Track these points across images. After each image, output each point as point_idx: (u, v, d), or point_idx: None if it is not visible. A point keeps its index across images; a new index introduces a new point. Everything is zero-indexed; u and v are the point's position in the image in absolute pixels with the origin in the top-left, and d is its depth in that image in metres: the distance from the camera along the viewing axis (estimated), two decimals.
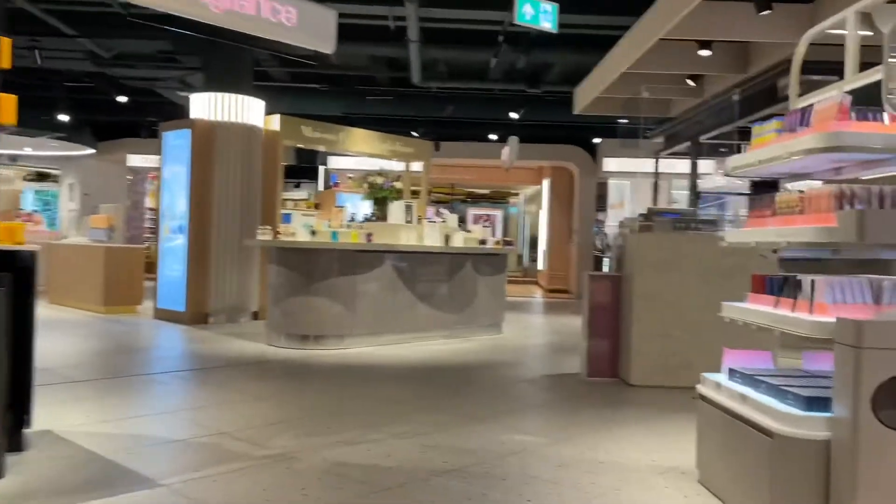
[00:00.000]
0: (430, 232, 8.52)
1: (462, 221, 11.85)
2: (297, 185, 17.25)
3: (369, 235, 7.94)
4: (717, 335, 4.29)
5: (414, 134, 13.63)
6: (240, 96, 9.65)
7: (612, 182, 17.22)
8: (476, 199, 25.26)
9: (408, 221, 8.65)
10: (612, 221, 19.46)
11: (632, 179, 19.45)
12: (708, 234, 6.22)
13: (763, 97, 8.53)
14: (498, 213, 25.27)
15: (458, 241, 8.83)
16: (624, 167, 15.50)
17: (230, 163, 9.53)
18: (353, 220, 10.74)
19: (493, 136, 14.00)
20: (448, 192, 23.36)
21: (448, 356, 7.49)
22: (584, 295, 6.55)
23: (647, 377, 6.06)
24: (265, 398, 5.37)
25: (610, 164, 15.51)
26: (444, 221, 9.33)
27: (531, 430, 4.78)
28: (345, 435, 4.31)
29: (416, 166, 12.31)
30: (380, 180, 8.63)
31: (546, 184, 19.88)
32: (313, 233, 7.64)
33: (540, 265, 21.38)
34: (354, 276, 7.58)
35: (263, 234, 7.76)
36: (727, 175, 3.98)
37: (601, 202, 16.59)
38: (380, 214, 8.72)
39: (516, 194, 25.81)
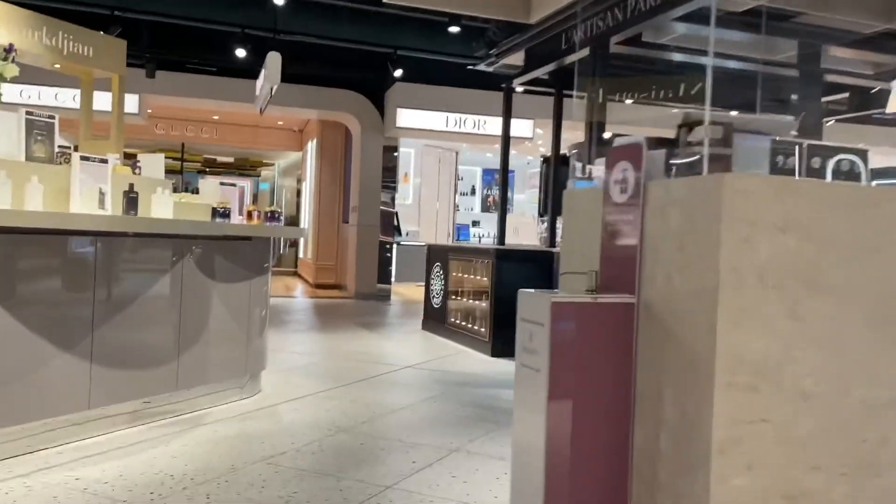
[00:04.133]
0: (84, 184, 3.66)
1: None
2: None
3: None
4: None
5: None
6: None
7: (405, 147, 13.15)
8: (216, 169, 19.82)
9: (36, 158, 3.69)
10: (407, 200, 15.44)
11: (429, 142, 15.56)
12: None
13: None
14: (244, 187, 20.05)
15: (163, 208, 4.05)
16: (426, 122, 11.42)
17: None
18: None
19: (240, 52, 9.12)
20: (176, 157, 17.70)
21: None
22: (535, 350, 2.24)
23: None
24: None
25: (406, 117, 11.34)
26: (137, 172, 4.47)
27: None
28: None
29: (105, 100, 7.14)
30: None
31: (312, 147, 15.27)
32: None
33: (302, 253, 16.73)
34: None
35: None
36: None
37: (390, 175, 12.40)
38: None
39: (269, 164, 20.78)
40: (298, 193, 19.19)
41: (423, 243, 15.03)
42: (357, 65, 11.34)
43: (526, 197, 18.60)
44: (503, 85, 7.49)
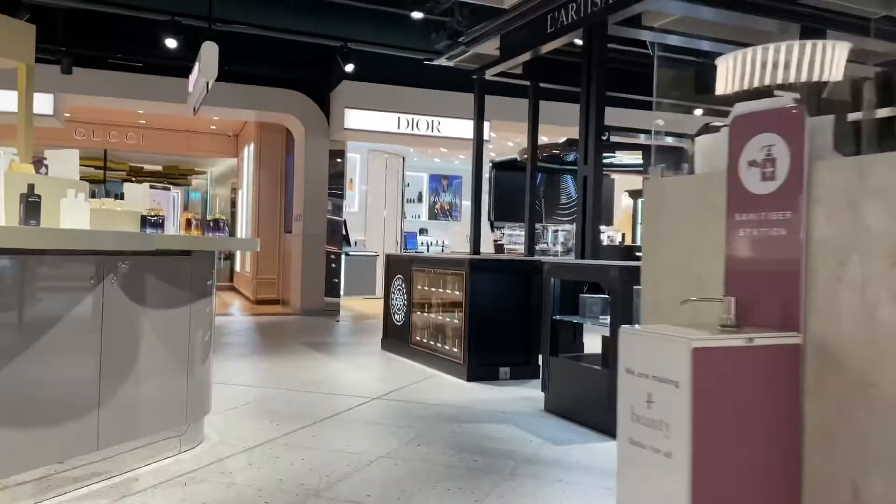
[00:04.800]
0: None
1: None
2: None
3: None
4: None
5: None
6: None
7: (350, 152, 12.26)
8: (142, 179, 18.47)
9: None
10: (352, 208, 14.54)
11: (374, 147, 14.76)
12: None
13: None
14: (173, 197, 18.77)
15: (76, 216, 3.15)
16: (376, 124, 10.59)
17: None
18: None
19: (171, 43, 8.09)
20: (98, 166, 16.37)
21: None
22: (660, 421, 1.50)
23: None
24: None
25: (354, 118, 10.49)
26: (43, 172, 3.56)
27: None
28: None
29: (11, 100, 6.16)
30: None
31: (249, 152, 14.25)
32: None
33: (239, 266, 15.64)
34: None
35: None
36: None
37: (337, 181, 11.51)
38: None
39: (201, 172, 19.56)
40: (234, 203, 18.05)
41: (374, 253, 14.22)
42: (301, 61, 10.45)
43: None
44: (474, 76, 6.75)
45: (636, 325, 1.48)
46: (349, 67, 9.09)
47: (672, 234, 1.81)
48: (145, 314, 3.49)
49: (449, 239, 16.24)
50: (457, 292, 6.14)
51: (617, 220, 18.52)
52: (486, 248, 12.40)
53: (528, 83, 6.76)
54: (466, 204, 18.14)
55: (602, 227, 12.12)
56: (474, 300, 5.88)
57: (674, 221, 1.81)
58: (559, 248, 11.78)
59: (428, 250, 15.97)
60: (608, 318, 4.84)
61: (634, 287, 4.31)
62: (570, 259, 6.37)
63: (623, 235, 14.64)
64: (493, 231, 12.72)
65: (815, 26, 5.18)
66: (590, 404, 4.49)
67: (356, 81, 10.23)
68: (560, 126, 11.07)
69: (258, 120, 12.50)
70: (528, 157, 6.74)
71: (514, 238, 12.19)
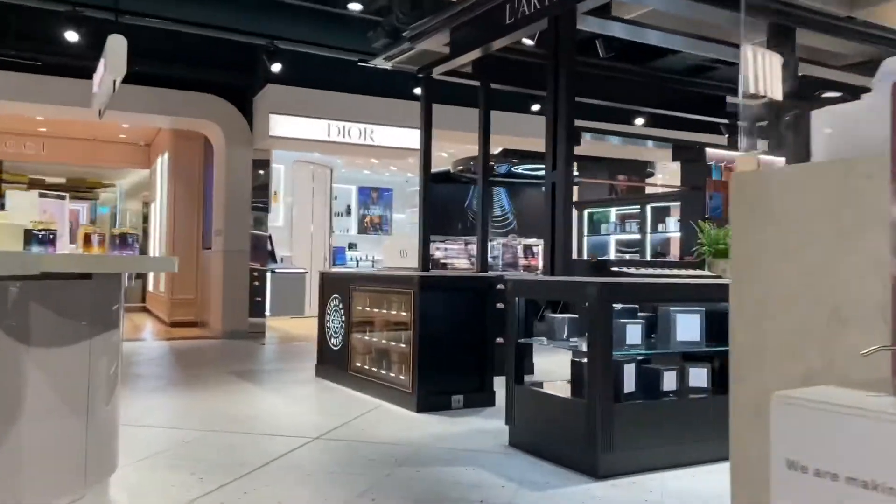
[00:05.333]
0: None
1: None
2: None
3: None
4: None
5: None
6: None
7: (277, 163, 11.46)
8: (44, 191, 17.05)
9: None
10: (277, 222, 13.68)
11: (300, 157, 14.03)
12: None
13: None
14: (81, 210, 17.41)
15: None
16: (305, 131, 9.87)
17: None
18: None
19: (72, 37, 7.19)
20: None
21: None
22: None
23: None
24: None
25: (280, 125, 9.75)
26: None
27: None
28: None
29: None
30: None
31: (163, 163, 13.27)
32: None
33: (153, 285, 14.54)
34: None
35: None
36: None
37: (262, 193, 10.72)
38: None
39: (110, 185, 18.26)
40: (146, 218, 16.87)
41: (303, 270, 13.41)
42: (221, 61, 9.65)
43: (406, 217, 17.36)
44: (419, 74, 6.16)
45: (795, 393, 0.93)
46: (276, 67, 8.38)
47: (786, 247, 1.28)
48: (29, 353, 2.75)
49: (380, 254, 15.58)
50: (403, 313, 5.54)
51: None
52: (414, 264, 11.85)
53: (478, 83, 6.23)
54: (398, 217, 17.54)
55: (534, 240, 11.77)
56: (424, 321, 5.29)
57: (789, 228, 1.28)
58: (499, 262, 11.30)
59: (358, 266, 15.26)
60: (577, 339, 4.34)
61: (614, 306, 3.82)
62: (537, 275, 5.87)
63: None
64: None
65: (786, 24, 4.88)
66: (562, 438, 3.96)
67: (283, 85, 9.52)
68: (498, 135, 10.61)
69: (173, 127, 11.58)
70: (481, 165, 6.21)
71: (450, 253, 11.65)
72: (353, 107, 9.85)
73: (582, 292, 3.83)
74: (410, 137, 10.17)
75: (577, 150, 4.54)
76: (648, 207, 10.96)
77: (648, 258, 10.03)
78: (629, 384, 3.98)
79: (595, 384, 3.72)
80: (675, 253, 9.45)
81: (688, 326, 4.17)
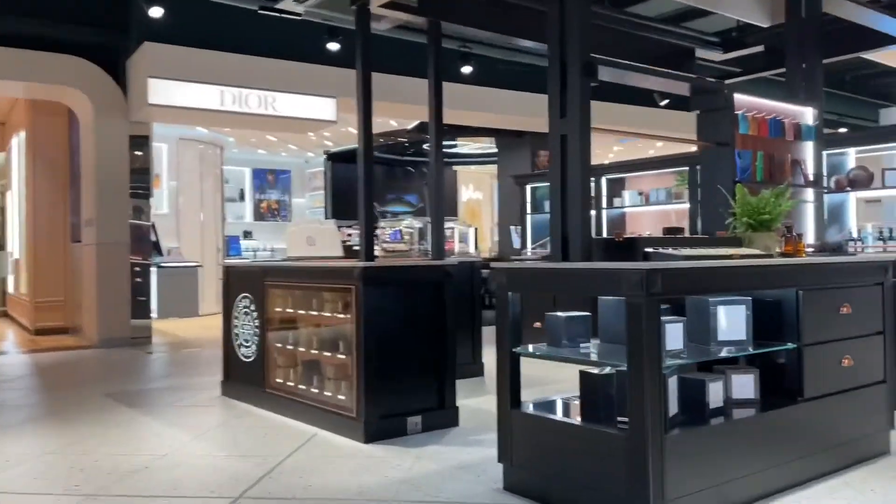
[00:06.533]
0: None
1: None
2: None
3: None
4: None
5: None
6: None
7: (159, 141, 9.78)
8: None
9: None
10: (161, 209, 11.93)
11: (185, 136, 12.36)
12: None
13: None
14: None
15: None
16: (192, 99, 8.32)
17: None
18: None
19: None
20: None
21: None
22: None
23: None
24: None
25: (161, 91, 8.15)
26: None
27: None
28: None
29: None
30: None
31: (19, 142, 11.30)
32: None
33: (12, 287, 12.49)
34: None
35: None
36: None
37: (141, 174, 9.08)
38: None
39: None
40: (2, 211, 14.58)
41: (195, 263, 11.77)
42: (86, 15, 7.96)
43: (306, 201, 15.90)
44: (353, 5, 4.86)
45: None
46: (155, 12, 6.83)
47: None
48: None
49: (281, 242, 14.07)
50: (340, 314, 4.33)
51: (460, 214, 17.33)
52: (328, 252, 10.52)
53: (424, 21, 5.01)
54: (298, 202, 16.05)
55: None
56: (370, 323, 4.10)
57: None
58: (416, 247, 10.09)
59: (255, 256, 13.74)
60: (589, 344, 3.30)
61: (662, 305, 2.79)
62: (542, 262, 4.76)
63: (476, 230, 13.34)
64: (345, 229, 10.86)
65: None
66: (586, 484, 2.91)
67: (163, 44, 7.95)
68: (411, 105, 9.41)
69: (29, 97, 9.71)
70: (432, 136, 5.04)
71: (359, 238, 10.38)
72: (252, 70, 8.40)
73: (617, 283, 2.78)
74: (321, 106, 8.87)
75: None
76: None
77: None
78: (672, 404, 2.98)
79: (641, 409, 2.69)
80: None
81: (732, 321, 3.22)
